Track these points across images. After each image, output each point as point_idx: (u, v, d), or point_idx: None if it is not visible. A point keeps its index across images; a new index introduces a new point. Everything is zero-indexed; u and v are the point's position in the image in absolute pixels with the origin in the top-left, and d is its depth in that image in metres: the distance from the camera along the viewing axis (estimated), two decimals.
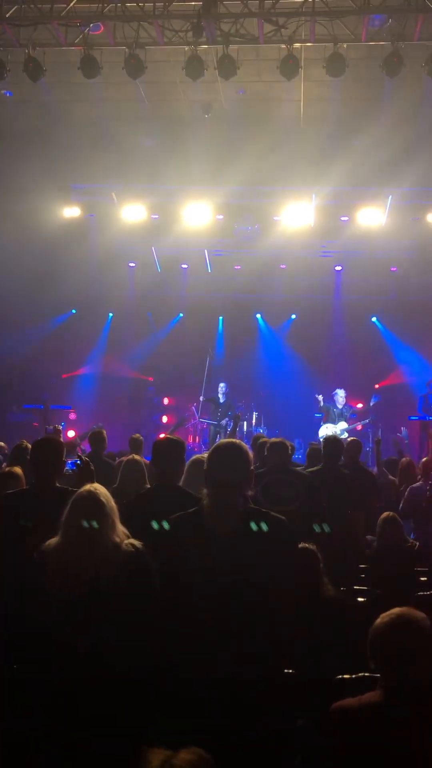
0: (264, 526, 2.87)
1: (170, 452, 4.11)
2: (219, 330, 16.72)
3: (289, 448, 5.67)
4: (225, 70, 8.87)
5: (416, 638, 2.49)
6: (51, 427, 7.55)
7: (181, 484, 5.21)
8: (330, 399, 13.74)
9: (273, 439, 5.70)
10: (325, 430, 13.52)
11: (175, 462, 4.13)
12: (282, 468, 5.38)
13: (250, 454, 2.97)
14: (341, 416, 13.55)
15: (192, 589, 2.79)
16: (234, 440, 3.08)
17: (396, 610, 2.58)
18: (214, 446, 3.04)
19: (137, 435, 8.79)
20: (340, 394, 13.64)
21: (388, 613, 2.57)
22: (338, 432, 13.08)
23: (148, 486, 5.85)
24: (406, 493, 7.16)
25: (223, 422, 13.95)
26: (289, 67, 8.77)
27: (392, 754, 2.35)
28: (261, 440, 7.03)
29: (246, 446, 2.98)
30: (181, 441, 4.31)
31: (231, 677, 2.64)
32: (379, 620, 2.56)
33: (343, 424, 13.47)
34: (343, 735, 2.46)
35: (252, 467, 2.95)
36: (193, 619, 2.76)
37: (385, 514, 5.67)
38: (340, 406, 13.58)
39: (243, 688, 2.65)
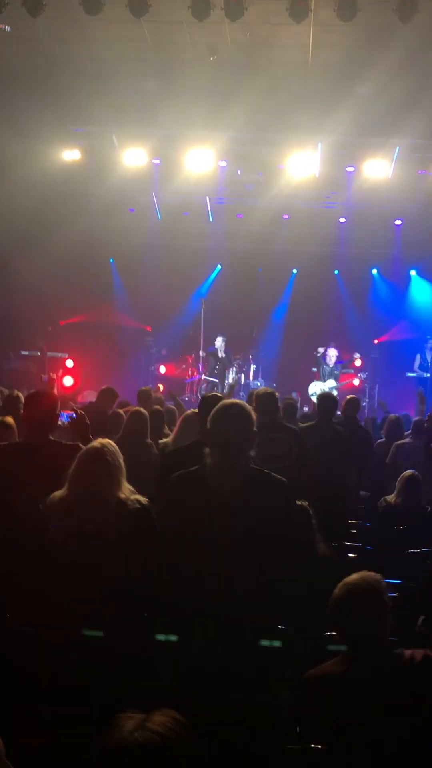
0: (265, 485, 2.92)
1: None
2: (212, 278, 16.58)
3: (277, 399, 5.51)
4: (232, 11, 8.61)
5: (372, 605, 2.54)
6: (45, 377, 7.50)
7: (172, 438, 5.25)
8: (322, 356, 13.79)
9: (259, 390, 5.52)
10: (314, 388, 13.66)
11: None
12: (272, 424, 5.31)
13: (253, 414, 2.97)
14: (331, 374, 13.64)
15: (195, 545, 2.85)
16: (237, 401, 3.10)
17: (352, 577, 2.63)
18: (217, 406, 3.03)
19: (146, 387, 8.80)
20: (331, 353, 13.83)
21: (344, 581, 2.62)
22: (326, 389, 13.21)
23: (149, 441, 5.93)
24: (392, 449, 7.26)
25: (226, 380, 14.05)
26: (299, 9, 8.52)
27: (358, 719, 2.41)
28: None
29: (249, 407, 2.99)
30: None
31: (231, 630, 2.70)
32: (337, 589, 2.62)
33: (331, 382, 13.61)
34: (311, 704, 2.54)
35: (255, 428, 2.96)
36: (195, 574, 2.82)
37: (409, 473, 5.72)
38: (331, 364, 13.68)
39: (239, 642, 2.71)
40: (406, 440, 7.41)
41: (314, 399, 12.80)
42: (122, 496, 3.10)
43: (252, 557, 2.79)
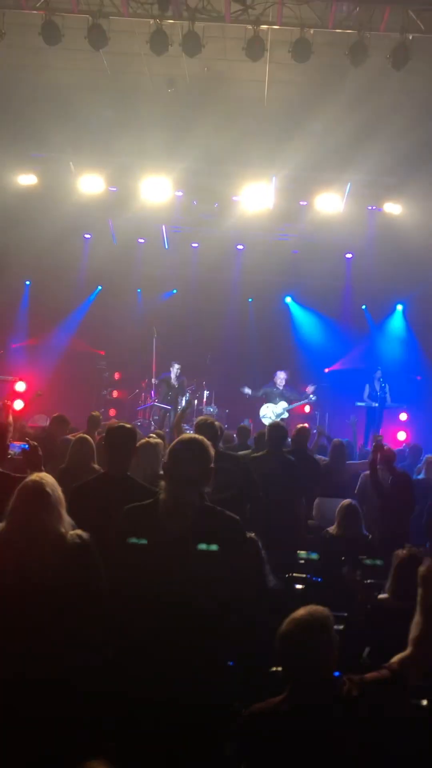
0: (217, 525, 2.92)
1: (123, 441, 4.05)
2: (170, 306, 16.66)
3: (218, 429, 5.31)
4: (190, 47, 8.77)
5: (318, 642, 2.52)
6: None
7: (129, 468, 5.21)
8: (270, 381, 13.92)
9: (199, 420, 5.41)
10: (265, 410, 13.78)
11: (128, 451, 4.08)
12: (216, 453, 5.23)
13: (212, 450, 2.97)
14: (282, 396, 13.77)
15: (141, 579, 2.82)
16: (196, 436, 3.08)
17: (299, 612, 2.60)
18: (176, 440, 3.03)
19: (96, 413, 8.72)
20: (281, 376, 13.90)
21: (291, 616, 2.59)
22: (279, 411, 13.37)
23: (95, 467, 5.87)
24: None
25: (179, 406, 14.05)
26: (255, 48, 8.73)
27: (297, 757, 2.41)
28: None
29: (207, 442, 2.98)
30: (134, 430, 4.24)
31: (178, 666, 2.69)
32: (284, 624, 2.59)
33: (283, 404, 13.73)
34: (253, 738, 2.53)
35: (212, 464, 2.95)
36: (140, 614, 2.79)
37: (346, 502, 5.78)
38: (280, 387, 13.79)
39: (188, 677, 2.70)
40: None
41: (265, 422, 13.05)
42: (62, 530, 3.04)
43: (200, 596, 2.76)
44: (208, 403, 15.37)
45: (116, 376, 16.50)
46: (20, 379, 14.73)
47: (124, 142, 11.92)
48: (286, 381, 13.92)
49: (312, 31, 8.85)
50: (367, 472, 7.32)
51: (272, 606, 3.78)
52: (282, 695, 2.57)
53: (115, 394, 15.98)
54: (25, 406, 13.80)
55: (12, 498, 3.09)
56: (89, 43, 8.78)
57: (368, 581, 4.01)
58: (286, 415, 13.63)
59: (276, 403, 13.82)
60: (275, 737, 2.48)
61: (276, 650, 2.59)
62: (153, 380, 14.48)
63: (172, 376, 14.34)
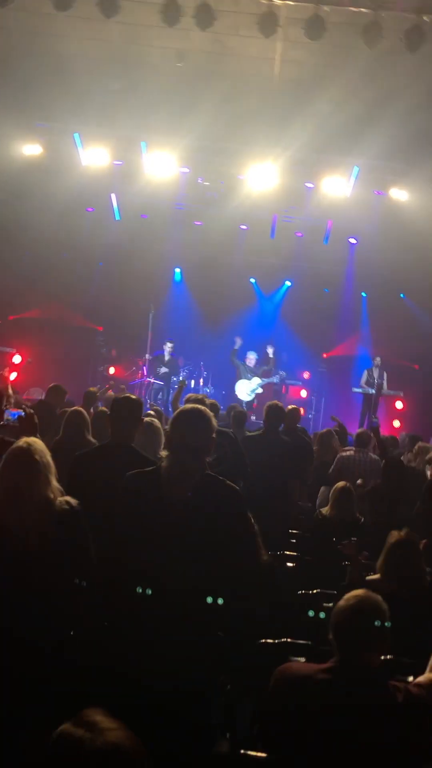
0: (218, 493, 2.92)
1: (130, 411, 4.08)
2: (170, 285, 16.63)
3: (210, 406, 5.47)
4: (202, 20, 8.66)
5: (374, 624, 2.52)
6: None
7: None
8: (240, 356, 14.34)
9: (190, 396, 5.46)
10: (241, 386, 13.95)
11: (133, 421, 4.10)
12: None
13: (213, 420, 2.98)
14: (253, 372, 14.16)
15: (141, 548, 2.82)
16: (197, 406, 3.07)
17: (359, 592, 2.61)
18: (178, 410, 3.05)
19: (93, 389, 8.72)
20: (251, 357, 14.39)
21: (351, 594, 2.60)
22: (253, 387, 13.99)
23: (91, 439, 5.86)
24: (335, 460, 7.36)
25: (167, 381, 14.11)
26: (268, 23, 8.60)
27: (325, 732, 2.39)
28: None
29: (210, 413, 2.99)
30: (140, 401, 4.30)
31: (170, 635, 2.69)
32: (342, 601, 2.60)
33: (257, 380, 13.98)
34: (283, 696, 2.51)
35: (214, 434, 2.96)
36: (137, 579, 2.79)
37: (341, 484, 5.80)
38: (251, 365, 14.27)
39: (178, 647, 2.70)
40: (350, 452, 7.50)
41: (241, 397, 13.56)
42: (51, 495, 3.03)
43: (198, 562, 2.77)
44: (205, 384, 15.38)
45: (113, 352, 16.44)
46: (17, 352, 14.73)
47: (131, 115, 11.78)
48: (256, 361, 14.38)
49: (326, 8, 8.72)
50: (345, 453, 7.37)
51: (263, 581, 3.80)
52: (324, 666, 2.55)
53: (111, 370, 15.93)
54: (18, 376, 13.78)
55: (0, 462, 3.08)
56: (100, 11, 8.66)
57: (365, 554, 4.01)
58: (260, 390, 14.20)
59: (249, 380, 14.10)
60: (306, 705, 2.45)
61: (330, 627, 2.57)
62: (147, 356, 14.47)
63: (165, 354, 14.35)
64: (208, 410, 3.00)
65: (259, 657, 3.08)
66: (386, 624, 2.56)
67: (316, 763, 2.37)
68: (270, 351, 14.44)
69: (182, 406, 3.09)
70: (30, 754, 2.21)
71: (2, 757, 2.50)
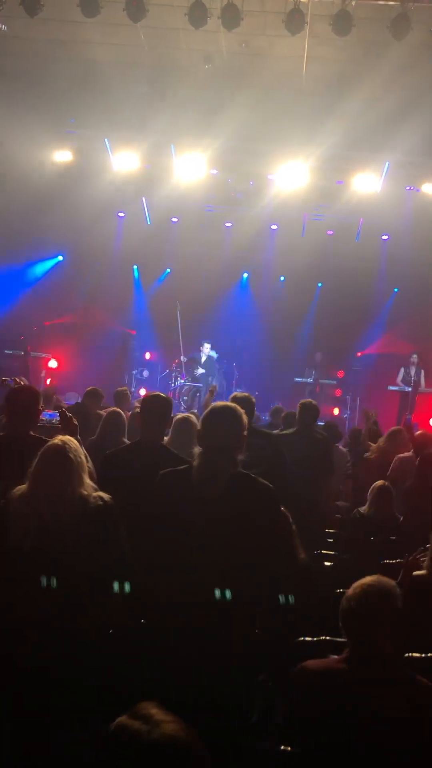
0: (251, 491, 2.91)
1: (158, 409, 4.11)
2: (201, 287, 16.70)
3: (253, 404, 5.36)
4: (228, 20, 8.66)
5: (385, 609, 2.50)
6: (11, 380, 7.35)
7: (168, 441, 5.24)
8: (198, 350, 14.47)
9: (237, 394, 5.45)
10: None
11: (162, 420, 4.13)
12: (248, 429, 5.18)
13: (244, 417, 2.97)
14: (202, 366, 14.38)
15: (174, 546, 2.82)
16: (229, 404, 3.08)
17: (368, 579, 2.59)
18: (209, 408, 3.05)
19: (123, 388, 8.81)
20: (206, 347, 14.53)
21: (360, 582, 2.59)
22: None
23: (126, 441, 5.89)
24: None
25: (205, 382, 14.08)
26: (295, 21, 8.57)
27: (349, 720, 2.38)
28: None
29: (241, 410, 2.98)
30: (169, 399, 4.32)
31: (206, 634, 2.69)
32: (351, 589, 2.58)
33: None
34: (302, 695, 2.51)
35: (245, 432, 2.95)
36: (172, 575, 2.80)
37: (379, 483, 5.73)
38: (203, 357, 14.39)
39: (216, 646, 2.70)
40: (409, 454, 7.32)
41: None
42: (84, 492, 3.07)
43: (233, 561, 2.76)
44: (238, 385, 15.35)
45: (147, 356, 16.53)
46: (53, 357, 14.90)
47: (160, 118, 11.81)
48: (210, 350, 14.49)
49: (353, 2, 8.65)
50: (403, 455, 7.22)
51: (301, 580, 3.76)
52: (339, 657, 2.54)
53: (146, 373, 16.00)
54: (53, 381, 13.93)
55: (35, 460, 3.12)
56: (128, 16, 8.72)
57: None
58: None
59: (196, 374, 14.27)
60: (326, 697, 2.44)
61: (340, 614, 2.57)
62: (182, 357, 14.50)
63: (202, 355, 14.36)
64: (239, 408, 2.98)
65: (299, 655, 3.05)
66: (396, 608, 2.52)
67: (343, 754, 2.35)
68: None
69: (213, 405, 3.07)
70: (79, 749, 2.23)
71: (53, 752, 2.53)
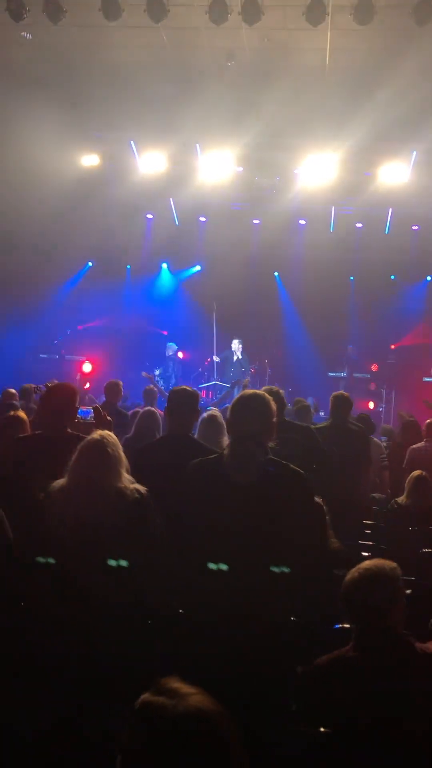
0: (282, 477, 2.92)
1: (185, 402, 4.16)
2: (232, 285, 16.70)
3: (283, 398, 5.38)
4: (249, 15, 8.65)
5: (385, 590, 2.52)
6: (42, 386, 7.46)
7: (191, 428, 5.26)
8: (229, 348, 14.29)
9: (266, 388, 5.51)
10: None
11: (190, 412, 4.17)
12: (281, 423, 5.09)
13: (273, 405, 2.98)
14: (239, 363, 14.19)
15: (208, 534, 2.85)
16: (257, 391, 3.10)
17: (366, 563, 2.61)
18: (237, 396, 3.06)
19: (151, 386, 8.95)
20: (236, 344, 14.35)
21: (357, 566, 2.61)
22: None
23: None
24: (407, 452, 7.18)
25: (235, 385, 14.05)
26: (316, 13, 8.52)
27: (367, 703, 2.38)
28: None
29: (269, 397, 2.99)
30: (195, 392, 4.37)
31: (242, 621, 2.71)
32: (349, 574, 2.60)
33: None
34: (314, 691, 2.52)
35: (275, 418, 2.96)
36: (208, 562, 2.81)
37: (417, 472, 5.69)
38: (238, 354, 14.24)
39: (252, 633, 2.71)
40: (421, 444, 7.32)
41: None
42: (121, 485, 3.11)
43: (266, 548, 2.78)
44: (271, 382, 15.30)
45: (180, 355, 16.59)
46: (87, 360, 15.03)
47: (185, 118, 11.84)
48: (242, 348, 14.30)
49: None
50: (415, 446, 7.17)
51: (337, 569, 3.74)
52: (348, 647, 2.55)
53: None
54: (90, 386, 14.06)
55: (74, 455, 3.16)
56: (149, 16, 8.76)
57: None
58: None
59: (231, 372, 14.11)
60: (338, 686, 2.45)
61: (341, 601, 2.58)
62: (214, 357, 14.53)
63: (234, 353, 14.34)
64: (266, 395, 2.99)
65: (336, 643, 3.04)
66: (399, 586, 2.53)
67: (362, 738, 2.36)
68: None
69: (241, 393, 3.09)
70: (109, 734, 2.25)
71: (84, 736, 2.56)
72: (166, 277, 16.99)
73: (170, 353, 14.62)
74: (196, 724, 1.29)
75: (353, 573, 2.58)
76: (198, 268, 16.76)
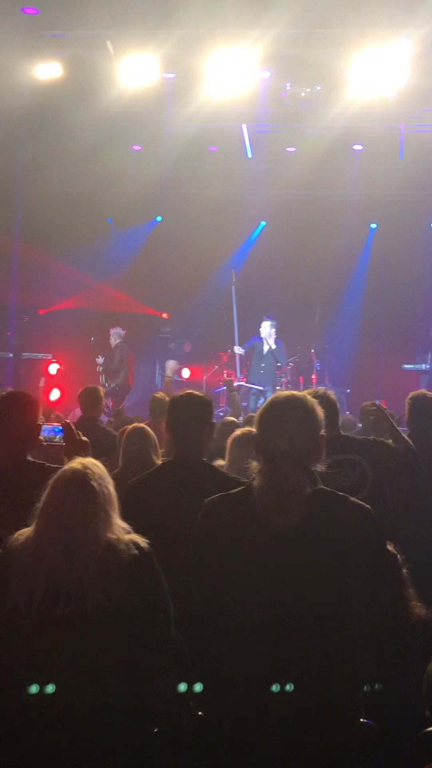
0: (339, 516, 2.93)
1: (194, 415, 4.19)
2: (254, 238, 16.69)
3: (338, 405, 5.39)
4: None
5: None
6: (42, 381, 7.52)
7: (227, 464, 5.29)
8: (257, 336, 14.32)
9: (315, 390, 5.40)
10: None
11: (200, 428, 4.20)
12: (335, 439, 4.92)
13: (319, 410, 2.99)
14: (271, 355, 14.20)
15: (240, 596, 2.86)
16: (295, 393, 3.12)
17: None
18: (267, 401, 3.09)
19: (160, 394, 8.93)
20: (266, 326, 14.22)
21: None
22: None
23: (158, 461, 5.98)
24: None
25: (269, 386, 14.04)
26: None
27: None
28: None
29: (313, 400, 3.01)
30: (207, 398, 4.40)
31: (290, 723, 2.75)
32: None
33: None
34: None
35: (322, 430, 2.98)
36: (239, 635, 2.84)
37: None
38: (269, 342, 14.22)
39: (305, 738, 2.76)
40: None
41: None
42: (112, 537, 3.13)
43: (322, 614, 2.80)
44: (321, 382, 15.30)
45: (187, 347, 16.65)
46: (54, 359, 15.05)
47: (184, 5, 11.86)
48: (276, 333, 14.19)
49: None
50: None
51: (418, 642, 3.76)
52: None
53: (186, 373, 16.08)
54: (62, 395, 14.09)
55: (44, 493, 3.18)
56: None
57: None
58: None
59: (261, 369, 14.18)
60: None
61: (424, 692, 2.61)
62: (236, 349, 14.50)
63: (265, 339, 14.25)
64: (309, 397, 3.02)
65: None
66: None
67: None
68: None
69: (274, 396, 3.11)
70: None
71: None
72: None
73: (264, 334, 14.54)
74: None
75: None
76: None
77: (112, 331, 15.28)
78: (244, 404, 14.18)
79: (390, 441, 5.91)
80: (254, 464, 3.00)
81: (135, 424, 6.71)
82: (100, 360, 14.86)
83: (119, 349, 15.09)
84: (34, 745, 2.94)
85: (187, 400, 4.25)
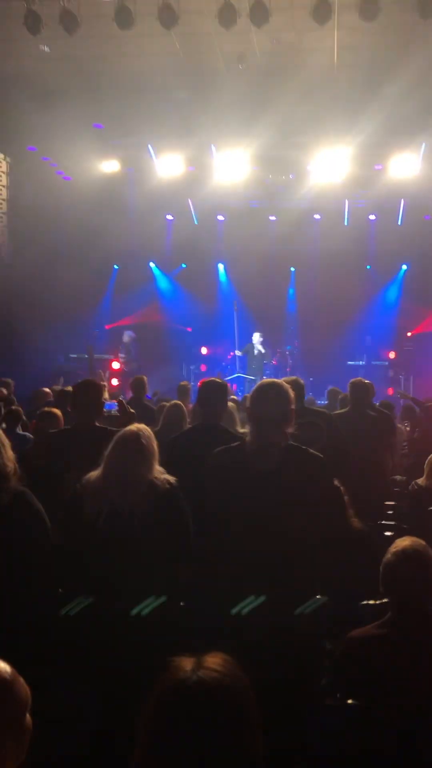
0: (302, 462, 2.92)
1: (214, 393, 4.23)
2: (251, 280, 16.63)
3: (302, 386, 5.43)
4: (257, 18, 8.58)
5: (423, 570, 2.50)
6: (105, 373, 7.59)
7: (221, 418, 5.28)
8: (250, 341, 14.25)
9: (287, 378, 5.56)
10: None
11: (219, 403, 4.23)
12: (300, 410, 5.03)
13: (291, 392, 2.99)
14: (261, 356, 14.09)
15: (234, 519, 2.86)
16: (275, 380, 3.12)
17: (405, 542, 2.59)
18: (256, 385, 3.09)
19: (184, 382, 8.94)
20: (256, 337, 14.18)
21: (395, 545, 2.59)
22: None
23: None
24: None
25: (259, 376, 13.99)
26: (321, 11, 8.42)
27: (399, 679, 2.38)
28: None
29: (287, 385, 3.01)
30: (224, 383, 4.47)
31: (269, 602, 2.72)
32: (388, 553, 2.59)
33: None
34: (353, 663, 2.51)
35: (293, 405, 2.97)
36: (234, 546, 2.84)
37: None
38: (260, 348, 14.12)
39: (279, 613, 2.72)
40: None
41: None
42: (152, 477, 3.11)
43: (288, 530, 2.77)
44: (292, 372, 15.23)
45: (203, 350, 16.60)
46: (116, 359, 15.05)
47: (200, 121, 11.82)
48: (262, 339, 14.19)
49: None
50: None
51: (359, 548, 3.72)
52: (379, 622, 2.53)
53: (203, 368, 16.06)
54: (119, 383, 14.08)
55: (110, 444, 3.16)
56: (160, 23, 8.72)
57: None
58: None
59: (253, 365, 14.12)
60: (370, 661, 2.44)
61: (380, 579, 2.58)
62: (236, 352, 14.54)
63: (255, 346, 14.29)
64: (285, 383, 3.01)
65: (364, 619, 3.02)
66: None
67: (393, 712, 2.35)
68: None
69: (259, 381, 3.11)
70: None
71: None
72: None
73: (255, 341, 14.48)
74: (214, 688, 1.27)
75: (393, 551, 2.58)
76: (222, 269, 16.78)
77: (125, 333, 15.05)
78: (241, 389, 14.20)
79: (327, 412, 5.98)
80: (246, 427, 2.99)
81: (173, 401, 6.73)
82: (122, 355, 14.65)
83: (131, 345, 14.91)
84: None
85: (211, 385, 4.30)
